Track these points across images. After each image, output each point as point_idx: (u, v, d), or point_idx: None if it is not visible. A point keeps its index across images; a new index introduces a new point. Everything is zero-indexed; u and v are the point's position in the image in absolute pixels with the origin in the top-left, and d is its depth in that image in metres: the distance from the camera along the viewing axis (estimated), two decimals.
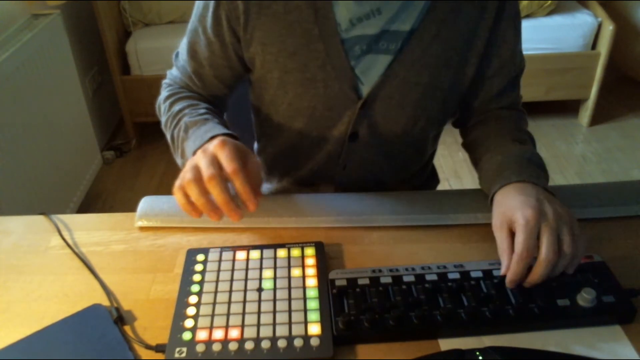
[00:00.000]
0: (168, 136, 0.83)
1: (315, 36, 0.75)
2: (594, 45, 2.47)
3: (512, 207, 0.66)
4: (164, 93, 0.88)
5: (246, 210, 0.66)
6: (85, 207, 2.12)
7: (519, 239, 0.62)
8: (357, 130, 0.84)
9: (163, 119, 0.85)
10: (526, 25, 2.39)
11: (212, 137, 0.71)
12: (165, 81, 0.91)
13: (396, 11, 0.74)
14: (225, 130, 0.74)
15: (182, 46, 0.86)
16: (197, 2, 0.80)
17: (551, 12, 2.48)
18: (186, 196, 0.64)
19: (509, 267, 0.63)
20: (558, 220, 0.63)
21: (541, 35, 2.42)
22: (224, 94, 0.88)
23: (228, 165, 0.63)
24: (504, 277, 0.64)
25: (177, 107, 0.83)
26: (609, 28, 2.38)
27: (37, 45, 1.79)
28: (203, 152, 0.65)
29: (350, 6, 0.73)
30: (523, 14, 2.42)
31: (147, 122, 2.44)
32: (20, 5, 1.86)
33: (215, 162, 0.64)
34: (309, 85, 0.79)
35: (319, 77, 0.78)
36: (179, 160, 0.80)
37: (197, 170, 0.64)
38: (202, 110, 0.81)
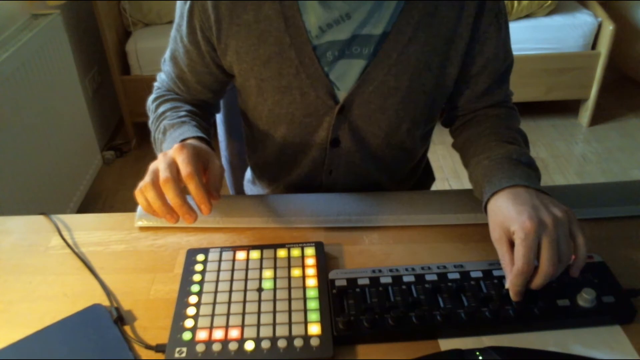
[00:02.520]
0: (152, 137, 0.85)
1: (287, 44, 0.75)
2: (594, 45, 2.47)
3: (508, 217, 0.65)
4: (152, 95, 0.90)
5: (202, 213, 0.66)
6: (85, 207, 2.12)
7: (519, 253, 0.61)
8: (338, 135, 0.84)
9: (149, 121, 0.87)
10: (526, 25, 2.41)
11: (184, 140, 0.73)
12: (155, 84, 0.93)
13: (366, 15, 0.73)
14: (199, 133, 0.75)
15: (167, 52, 0.87)
16: (176, 9, 0.81)
17: (551, 12, 2.49)
18: (146, 199, 0.65)
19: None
20: (557, 228, 0.62)
21: (541, 35, 2.42)
22: (209, 98, 0.88)
23: (183, 168, 0.64)
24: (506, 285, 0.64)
25: (161, 109, 0.85)
26: (609, 28, 2.39)
27: (37, 45, 1.79)
28: (163, 155, 0.66)
29: (318, 13, 0.73)
30: (523, 14, 2.43)
31: (147, 122, 2.44)
32: (20, 5, 1.86)
33: (172, 166, 0.64)
34: (286, 92, 0.79)
35: (294, 85, 0.78)
36: None
37: (155, 174, 0.65)
38: (182, 113, 0.82)
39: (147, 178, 0.65)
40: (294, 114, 0.81)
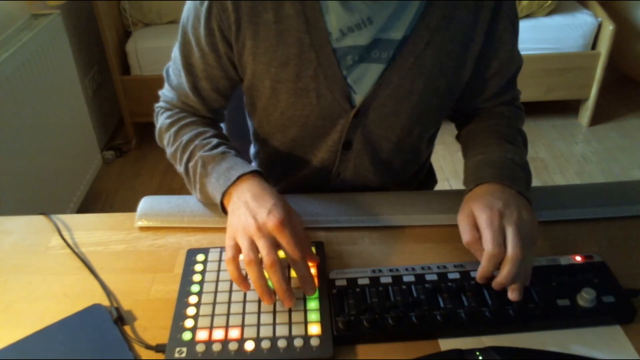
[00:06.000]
0: (181, 169, 0.80)
1: (307, 46, 0.74)
2: (594, 45, 2.47)
3: (478, 205, 0.67)
4: (164, 120, 0.84)
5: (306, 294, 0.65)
6: (85, 207, 2.12)
7: (487, 237, 0.63)
8: (351, 138, 0.83)
9: (170, 150, 0.82)
10: (526, 25, 2.40)
11: (239, 177, 0.71)
12: (159, 105, 0.87)
13: (387, 20, 0.73)
14: (251, 168, 0.73)
15: (175, 62, 0.82)
16: (185, 14, 0.78)
17: (551, 12, 2.48)
18: (238, 269, 0.63)
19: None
20: (520, 223, 0.64)
21: (541, 35, 2.42)
22: (222, 105, 0.86)
23: (291, 252, 0.63)
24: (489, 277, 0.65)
25: (185, 137, 0.80)
26: (609, 28, 2.38)
27: (37, 45, 1.79)
28: (259, 229, 0.63)
29: (340, 14, 0.72)
30: (523, 14, 2.43)
31: (147, 122, 2.44)
32: (20, 5, 1.86)
33: (275, 245, 0.63)
34: (302, 94, 0.78)
35: (312, 87, 0.77)
36: (197, 195, 0.79)
37: (254, 248, 0.62)
38: (215, 141, 0.78)
39: (248, 252, 0.62)
40: (308, 117, 0.81)
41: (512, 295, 0.63)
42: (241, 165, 0.73)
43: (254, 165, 1.04)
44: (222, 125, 0.93)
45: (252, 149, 1.01)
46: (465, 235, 0.67)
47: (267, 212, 0.65)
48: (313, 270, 0.67)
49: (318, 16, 0.73)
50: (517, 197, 0.69)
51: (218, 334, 0.61)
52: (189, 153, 0.78)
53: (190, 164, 0.78)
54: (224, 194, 0.71)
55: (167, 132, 0.83)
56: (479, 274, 0.64)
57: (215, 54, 0.77)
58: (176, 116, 0.84)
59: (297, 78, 0.76)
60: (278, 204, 0.66)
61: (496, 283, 0.64)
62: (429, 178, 1.10)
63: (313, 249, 0.71)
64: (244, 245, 0.63)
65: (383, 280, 0.67)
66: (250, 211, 0.66)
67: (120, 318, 0.64)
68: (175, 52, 0.82)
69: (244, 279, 0.64)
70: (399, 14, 0.73)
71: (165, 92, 0.87)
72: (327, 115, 0.80)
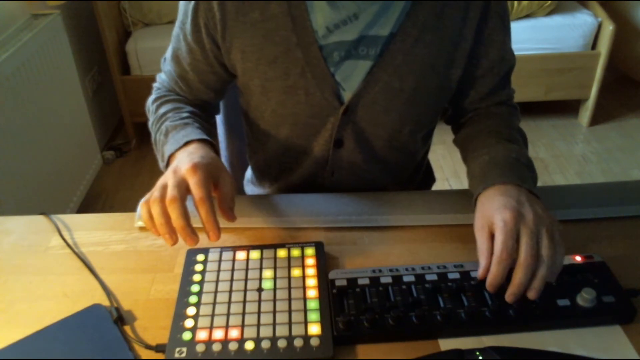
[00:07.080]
0: (152, 139, 0.83)
1: (294, 44, 0.75)
2: (594, 45, 2.47)
3: (492, 208, 0.66)
4: (152, 96, 0.89)
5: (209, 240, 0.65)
6: (85, 207, 2.12)
7: (498, 240, 0.62)
8: (342, 136, 0.83)
9: (150, 122, 0.86)
10: (526, 25, 2.41)
11: (188, 143, 0.72)
12: (154, 84, 0.91)
13: (373, 16, 0.73)
14: (202, 136, 0.74)
15: (168, 51, 0.86)
16: (179, 7, 0.81)
17: (551, 12, 2.49)
18: (149, 212, 0.63)
19: (486, 268, 0.62)
20: (537, 223, 0.63)
21: (541, 35, 2.42)
22: (211, 97, 0.87)
23: (196, 192, 0.63)
24: (481, 280, 0.63)
25: (161, 110, 0.83)
26: (609, 28, 2.39)
27: (37, 45, 1.79)
28: (174, 172, 0.65)
29: (326, 13, 0.73)
30: (523, 14, 2.43)
31: (147, 122, 2.44)
32: (20, 5, 1.86)
33: (181, 185, 0.63)
34: (291, 92, 0.79)
35: (300, 85, 0.77)
36: (160, 164, 0.79)
37: (164, 190, 0.63)
38: (185, 114, 0.81)
39: (156, 192, 0.63)
40: (299, 115, 0.81)
41: (529, 293, 0.62)
42: (196, 134, 0.75)
43: (249, 168, 1.05)
44: (218, 117, 0.93)
45: (247, 150, 1.01)
46: (481, 247, 0.64)
47: (190, 161, 0.65)
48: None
49: (304, 15, 0.73)
50: (529, 195, 0.68)
51: (218, 334, 0.61)
52: (160, 124, 0.81)
53: (158, 134, 0.81)
54: (170, 157, 0.73)
55: (151, 105, 0.87)
56: (488, 280, 0.62)
57: (202, 50, 0.80)
58: (163, 93, 0.88)
59: (286, 76, 0.77)
60: (206, 157, 0.67)
61: (509, 295, 0.62)
62: (428, 177, 1.10)
63: (313, 250, 0.71)
64: (156, 188, 0.64)
65: (383, 280, 0.67)
66: (177, 162, 0.67)
67: (120, 318, 0.64)
68: (170, 44, 0.85)
69: (153, 223, 0.63)
70: (385, 11, 0.73)
71: (161, 75, 0.91)
72: (317, 113, 0.81)
